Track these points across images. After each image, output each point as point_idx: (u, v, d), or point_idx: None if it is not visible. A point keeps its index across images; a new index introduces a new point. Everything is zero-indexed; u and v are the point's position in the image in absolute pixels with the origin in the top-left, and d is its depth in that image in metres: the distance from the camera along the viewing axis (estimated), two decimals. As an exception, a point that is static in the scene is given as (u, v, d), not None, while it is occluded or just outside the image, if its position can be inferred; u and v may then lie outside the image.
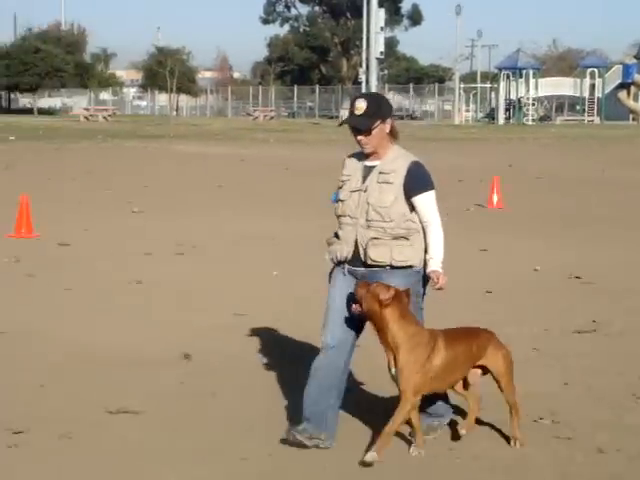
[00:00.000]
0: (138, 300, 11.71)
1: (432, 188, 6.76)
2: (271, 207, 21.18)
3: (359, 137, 6.65)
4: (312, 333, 9.91)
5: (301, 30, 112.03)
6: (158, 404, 7.74)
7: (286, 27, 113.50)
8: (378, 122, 6.62)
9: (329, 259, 6.84)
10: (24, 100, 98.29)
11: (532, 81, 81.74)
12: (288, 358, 9.11)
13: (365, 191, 6.64)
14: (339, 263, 6.77)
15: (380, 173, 6.65)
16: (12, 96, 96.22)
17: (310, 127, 66.57)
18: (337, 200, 6.81)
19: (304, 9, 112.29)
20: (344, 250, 6.68)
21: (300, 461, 6.55)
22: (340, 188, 6.80)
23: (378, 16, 68.76)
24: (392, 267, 6.60)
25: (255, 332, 10.11)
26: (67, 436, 6.96)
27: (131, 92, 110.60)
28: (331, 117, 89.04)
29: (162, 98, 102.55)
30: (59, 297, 11.83)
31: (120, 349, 9.35)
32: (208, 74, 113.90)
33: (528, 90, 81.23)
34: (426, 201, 6.69)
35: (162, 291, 12.25)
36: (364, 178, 6.69)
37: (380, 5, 69.86)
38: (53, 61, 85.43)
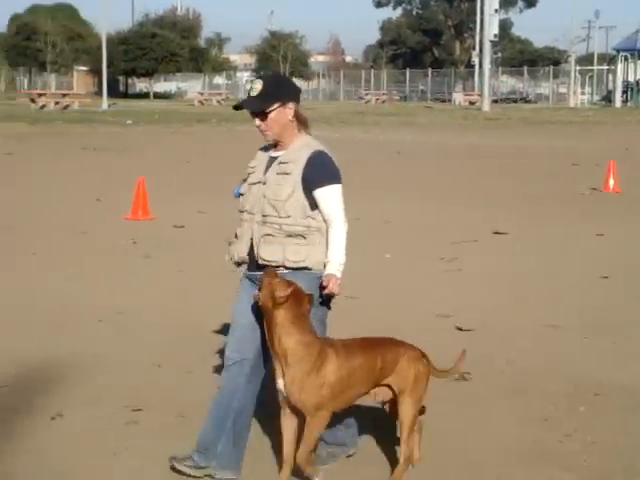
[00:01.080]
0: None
1: (337, 182, 5.89)
2: (384, 190, 21.12)
3: (257, 122, 5.93)
4: (424, 313, 9.98)
5: (414, 13, 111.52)
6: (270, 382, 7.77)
7: (399, 10, 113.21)
8: (276, 105, 5.86)
9: (228, 260, 6.11)
10: (140, 85, 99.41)
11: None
12: (404, 334, 9.08)
13: (264, 183, 5.91)
14: (238, 265, 6.03)
15: (280, 163, 5.93)
16: (129, 81, 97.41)
17: (422, 110, 66.18)
18: (239, 194, 6.07)
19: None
20: (241, 250, 5.95)
21: None
22: (244, 181, 6.08)
23: (492, -1, 68.05)
24: (286, 268, 5.79)
25: (368, 312, 10.15)
26: (182, 415, 7.06)
27: (244, 76, 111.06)
28: (443, 100, 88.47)
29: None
30: (173, 278, 11.98)
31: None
32: (321, 58, 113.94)
33: (647, 72, 79.63)
34: (328, 196, 5.84)
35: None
36: (266, 169, 5.97)
37: (494, -13, 69.07)
38: (169, 46, 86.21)
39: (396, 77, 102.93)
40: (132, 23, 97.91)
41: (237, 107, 6.08)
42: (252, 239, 5.87)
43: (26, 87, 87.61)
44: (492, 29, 68.13)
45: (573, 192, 21.22)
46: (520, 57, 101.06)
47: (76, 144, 32.66)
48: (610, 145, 33.94)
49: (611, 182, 21.38)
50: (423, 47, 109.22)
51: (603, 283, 11.96)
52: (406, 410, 5.80)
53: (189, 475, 5.90)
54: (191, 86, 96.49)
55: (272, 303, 5.54)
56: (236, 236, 5.99)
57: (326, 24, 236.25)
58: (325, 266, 5.82)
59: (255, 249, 5.85)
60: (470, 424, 6.98)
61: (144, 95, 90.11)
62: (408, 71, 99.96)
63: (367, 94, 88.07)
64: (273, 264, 5.78)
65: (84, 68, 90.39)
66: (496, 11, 69.03)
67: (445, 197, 20.06)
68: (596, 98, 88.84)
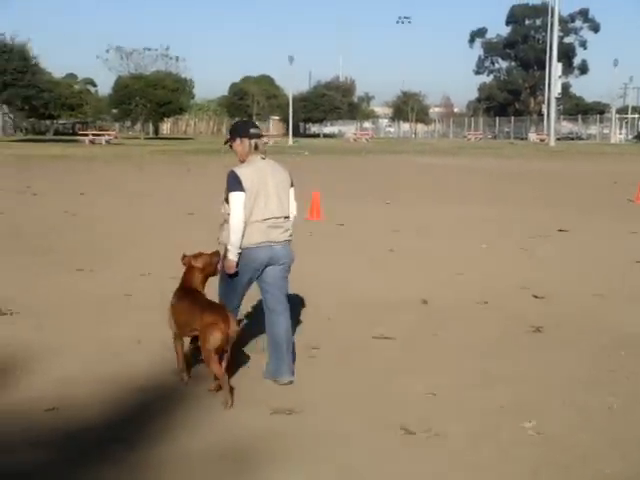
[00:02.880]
0: (392, 263, 11.73)
1: (230, 190, 5.97)
2: (482, 199, 20.76)
3: None
4: (510, 286, 9.76)
5: (501, 78, 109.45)
6: (407, 333, 7.71)
7: (491, 76, 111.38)
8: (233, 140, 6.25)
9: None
10: (314, 128, 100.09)
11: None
12: (496, 301, 8.93)
13: None
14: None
15: None
16: (307, 125, 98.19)
17: (507, 146, 64.89)
18: None
19: (504, 64, 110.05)
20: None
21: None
22: None
23: (557, 68, 66.41)
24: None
25: (470, 285, 9.98)
26: (347, 352, 7.04)
27: (384, 122, 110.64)
28: (522, 138, 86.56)
29: (405, 126, 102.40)
30: (341, 259, 11.98)
31: (378, 295, 9.38)
32: (437, 109, 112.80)
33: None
34: (229, 199, 6.02)
35: (407, 257, 12.22)
36: None
37: (558, 60, 67.52)
38: (333, 102, 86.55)
39: (489, 122, 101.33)
40: (309, 86, 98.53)
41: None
42: None
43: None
44: (556, 89, 66.69)
45: (614, 202, 20.50)
46: (576, 108, 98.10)
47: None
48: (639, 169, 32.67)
49: (642, 195, 20.59)
50: (508, 102, 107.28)
51: (637, 266, 11.52)
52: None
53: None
54: (348, 129, 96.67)
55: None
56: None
57: (441, 86, 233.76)
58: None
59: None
60: (542, 363, 6.79)
61: (316, 135, 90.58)
62: (497, 118, 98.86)
63: (469, 134, 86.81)
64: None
65: (277, 117, 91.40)
66: (559, 77, 67.49)
67: (523, 204, 19.60)
68: (630, 137, 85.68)
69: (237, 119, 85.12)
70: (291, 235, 6.39)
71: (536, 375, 6.42)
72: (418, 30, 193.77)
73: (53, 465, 4.81)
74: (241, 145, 6.19)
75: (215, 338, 5.60)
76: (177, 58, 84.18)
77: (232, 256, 5.98)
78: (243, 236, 5.99)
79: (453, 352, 7.06)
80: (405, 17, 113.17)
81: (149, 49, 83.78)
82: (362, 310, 8.64)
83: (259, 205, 6.04)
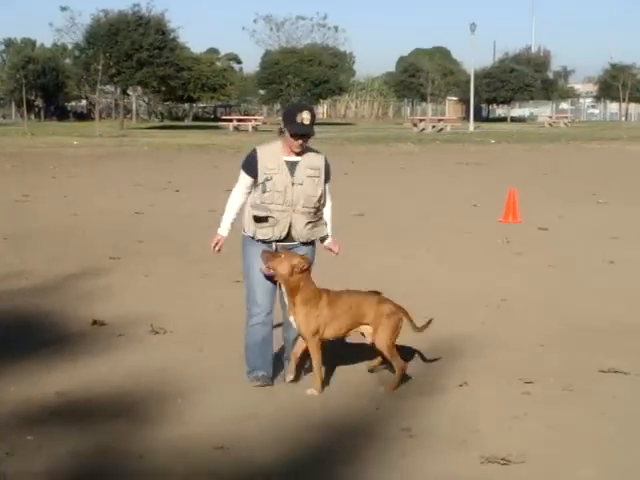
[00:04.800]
0: (613, 277, 11.34)
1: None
2: None
3: (301, 142, 6.59)
4: None
5: None
6: (643, 367, 7.41)
7: None
8: None
9: (256, 236, 6.82)
10: (499, 110, 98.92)
11: None
12: None
13: (301, 184, 6.64)
14: (265, 242, 6.80)
15: (309, 169, 6.68)
16: (490, 107, 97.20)
17: None
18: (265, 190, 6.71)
19: None
20: (281, 230, 6.75)
21: None
22: (268, 180, 6.64)
23: None
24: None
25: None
26: (569, 388, 6.83)
27: (586, 102, 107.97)
28: None
29: (613, 106, 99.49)
30: (544, 273, 11.70)
31: (599, 317, 9.08)
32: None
33: None
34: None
35: (633, 270, 11.79)
36: (291, 172, 6.64)
37: None
38: (524, 78, 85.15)
39: None
40: (493, 60, 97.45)
41: (303, 135, 6.56)
42: (290, 223, 6.64)
43: (409, 114, 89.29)
44: None
45: None
46: None
47: (451, 159, 32.85)
48: None
49: None
50: None
51: None
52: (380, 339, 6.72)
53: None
54: (541, 111, 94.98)
55: (291, 271, 6.51)
56: (266, 220, 6.64)
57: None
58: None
59: (293, 231, 6.67)
60: None
61: (502, 119, 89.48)
62: None
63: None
64: (303, 241, 6.74)
65: (454, 98, 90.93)
66: None
67: None
68: None
69: (405, 100, 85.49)
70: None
71: None
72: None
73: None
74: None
75: (398, 326, 6.74)
76: (336, 28, 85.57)
77: None
78: None
79: None
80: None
81: (303, 18, 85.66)
82: (582, 336, 8.38)
83: None
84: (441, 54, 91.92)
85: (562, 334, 8.44)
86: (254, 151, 6.74)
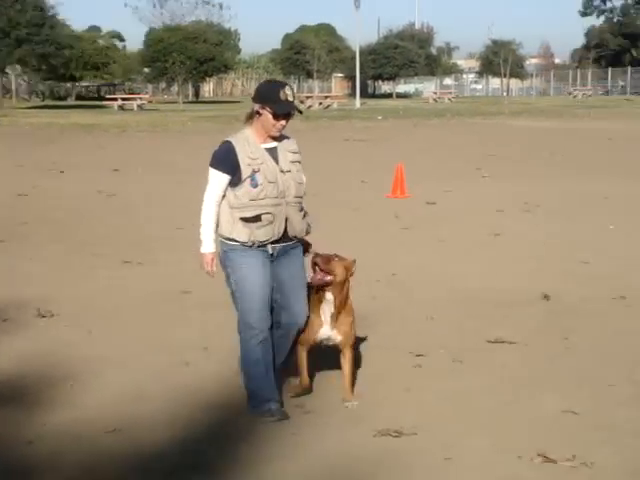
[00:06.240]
0: (499, 249, 11.59)
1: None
2: (601, 171, 20.41)
3: (283, 122, 5.73)
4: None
5: (615, 20, 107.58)
6: (529, 336, 7.59)
7: (602, 18, 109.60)
8: None
9: (251, 240, 5.78)
10: (385, 87, 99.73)
11: None
12: (636, 295, 8.74)
13: (289, 171, 5.79)
14: (263, 244, 5.81)
15: (290, 153, 5.86)
16: (376, 84, 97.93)
17: (624, 103, 63.75)
18: (257, 185, 5.70)
19: (618, 2, 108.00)
20: (279, 229, 5.80)
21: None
22: (255, 172, 5.68)
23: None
24: (298, 239, 5.98)
25: (600, 276, 9.79)
26: (458, 360, 6.94)
27: (469, 78, 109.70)
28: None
29: (495, 82, 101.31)
30: (434, 247, 11.87)
31: (488, 289, 9.26)
32: (534, 61, 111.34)
33: None
34: None
35: (517, 242, 12.06)
36: (275, 159, 5.76)
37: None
38: (408, 55, 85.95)
39: (599, 75, 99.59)
40: (378, 37, 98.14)
41: (288, 114, 5.74)
42: (286, 218, 5.76)
43: (296, 91, 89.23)
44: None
45: None
46: None
47: (339, 136, 32.97)
48: None
49: None
50: (623, 49, 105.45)
51: None
52: None
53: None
54: (426, 87, 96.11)
55: (346, 275, 5.90)
56: (259, 219, 5.68)
57: (538, 32, 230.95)
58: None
59: (289, 226, 5.79)
60: None
61: (388, 95, 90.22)
62: (610, 70, 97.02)
63: (575, 90, 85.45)
64: (299, 237, 5.93)
65: (341, 75, 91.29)
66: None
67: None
68: None
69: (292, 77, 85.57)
70: None
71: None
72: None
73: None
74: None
75: None
76: (220, 5, 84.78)
77: None
78: None
79: (591, 360, 6.92)
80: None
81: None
82: (470, 308, 8.53)
83: None
84: (326, 31, 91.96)
85: (451, 307, 8.59)
86: (228, 143, 5.78)
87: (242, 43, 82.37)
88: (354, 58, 69.07)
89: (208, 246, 5.82)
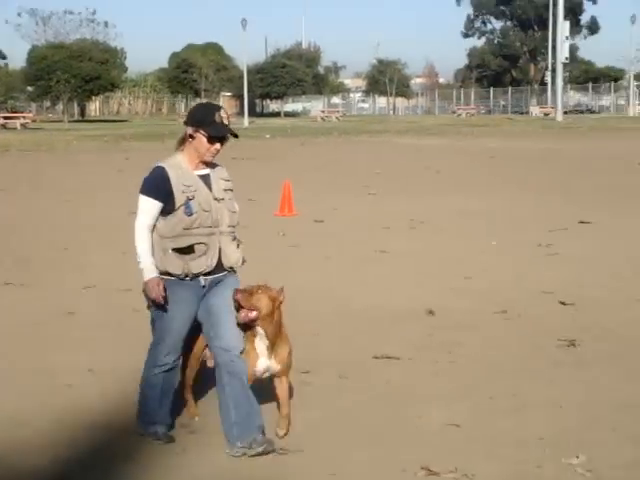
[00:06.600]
0: (385, 266, 11.72)
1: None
2: (484, 188, 20.86)
3: (218, 146, 5.47)
4: (530, 291, 9.76)
5: (495, 42, 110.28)
6: (414, 351, 7.70)
7: (483, 39, 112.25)
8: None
9: (185, 273, 5.53)
10: (273, 105, 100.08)
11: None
12: (516, 309, 8.94)
13: (222, 199, 5.55)
14: (196, 275, 5.57)
15: (223, 180, 5.62)
16: (264, 102, 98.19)
17: (505, 122, 65.28)
18: (192, 213, 5.44)
19: (498, 24, 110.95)
20: (212, 260, 5.55)
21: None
22: (189, 200, 5.41)
23: (564, 27, 66.91)
24: (232, 270, 5.74)
25: (482, 291, 9.99)
26: (344, 376, 6.99)
27: (356, 97, 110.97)
28: (522, 113, 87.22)
29: (381, 101, 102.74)
30: (321, 265, 11.94)
31: (374, 306, 9.35)
32: (419, 80, 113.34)
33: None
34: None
35: (402, 259, 12.22)
36: (208, 187, 5.50)
37: (564, 18, 68.06)
38: (296, 74, 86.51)
39: (481, 94, 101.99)
40: (266, 56, 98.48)
41: (223, 138, 5.49)
42: (220, 248, 5.52)
43: (183, 110, 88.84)
44: (563, 53, 67.18)
45: (641, 187, 20.70)
46: (585, 76, 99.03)
47: (227, 154, 32.77)
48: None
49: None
50: (503, 69, 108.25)
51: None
52: None
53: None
54: (314, 106, 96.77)
55: (273, 307, 5.61)
56: (193, 250, 5.44)
57: (423, 52, 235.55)
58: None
59: (224, 256, 5.55)
60: (582, 383, 6.79)
61: (276, 114, 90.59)
62: (492, 89, 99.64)
63: (458, 109, 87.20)
64: (235, 267, 5.68)
65: (229, 93, 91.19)
66: (567, 38, 68.09)
67: (534, 192, 19.71)
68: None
69: (180, 96, 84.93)
70: None
71: (577, 399, 6.42)
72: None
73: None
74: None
75: None
76: (106, 23, 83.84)
77: None
78: None
79: (473, 373, 7.05)
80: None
81: (71, 12, 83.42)
82: (356, 324, 8.61)
83: None
84: (214, 50, 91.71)
85: (337, 323, 8.65)
86: (161, 169, 5.46)
87: (128, 62, 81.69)
88: (242, 77, 69.26)
89: (150, 272, 5.43)
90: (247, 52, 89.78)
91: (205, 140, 5.42)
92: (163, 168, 5.45)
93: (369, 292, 10.06)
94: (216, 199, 5.50)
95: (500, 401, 6.38)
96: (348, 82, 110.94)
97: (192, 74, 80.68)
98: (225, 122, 5.47)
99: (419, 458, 5.38)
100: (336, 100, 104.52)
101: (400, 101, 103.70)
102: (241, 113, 71.70)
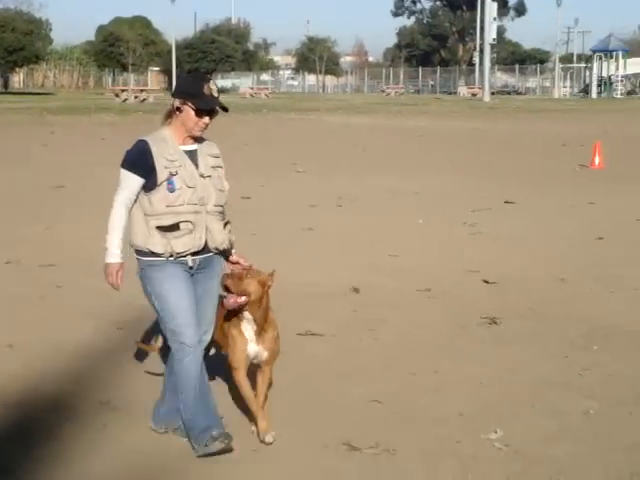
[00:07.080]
0: (311, 244, 11.74)
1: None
2: (412, 167, 21.01)
3: (207, 120, 5.19)
4: (454, 269, 9.88)
5: (424, 21, 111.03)
6: (338, 328, 7.74)
7: (412, 19, 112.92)
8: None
9: (169, 252, 5.19)
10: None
11: (621, 61, 79.27)
12: (440, 288, 9.04)
13: (210, 177, 5.24)
14: (182, 255, 5.23)
15: (212, 157, 5.34)
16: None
17: (434, 101, 65.72)
18: (174, 189, 5.12)
19: (427, 3, 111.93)
20: (199, 239, 5.22)
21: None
22: (172, 175, 5.10)
23: (491, 8, 67.47)
24: (219, 251, 5.43)
25: (407, 269, 10.07)
26: (268, 353, 6.99)
27: (285, 74, 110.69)
28: (450, 93, 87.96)
29: (311, 78, 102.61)
30: (246, 241, 11.88)
31: (298, 283, 9.36)
32: (348, 58, 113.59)
33: (617, 69, 78.91)
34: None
35: (329, 236, 12.26)
36: (194, 163, 5.21)
37: (492, -1, 68.69)
38: (225, 50, 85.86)
39: (410, 74, 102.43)
40: (195, 31, 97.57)
41: (212, 110, 5.19)
42: (206, 227, 5.19)
43: (110, 84, 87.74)
44: (491, 34, 67.83)
45: (565, 168, 21.02)
46: (512, 57, 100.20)
47: (148, 130, 32.52)
48: (590, 129, 33.47)
49: (597, 159, 21.17)
50: (432, 49, 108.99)
51: (599, 243, 11.84)
52: None
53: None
54: (243, 82, 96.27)
55: (263, 291, 5.40)
56: (177, 227, 5.11)
57: (353, 30, 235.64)
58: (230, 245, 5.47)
59: (209, 237, 5.23)
60: (503, 361, 6.89)
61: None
62: (420, 69, 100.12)
63: (387, 88, 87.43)
64: (221, 249, 5.36)
65: (157, 68, 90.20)
66: (495, 19, 68.75)
67: (461, 172, 19.91)
68: (575, 91, 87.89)
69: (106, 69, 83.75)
70: None
71: (497, 375, 6.52)
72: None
73: None
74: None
75: None
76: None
77: None
78: None
79: (396, 350, 7.12)
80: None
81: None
82: (280, 301, 8.50)
83: None
84: (142, 24, 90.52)
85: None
86: (143, 142, 5.13)
87: (54, 34, 79.93)
88: (170, 52, 68.60)
89: (114, 255, 5.12)
90: (176, 27, 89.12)
91: (193, 113, 5.13)
92: (145, 142, 5.12)
93: (294, 269, 10.05)
94: (202, 175, 5.20)
95: (422, 378, 6.45)
96: (278, 59, 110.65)
97: (119, 48, 79.45)
98: (215, 94, 5.18)
99: (341, 434, 5.43)
100: (265, 77, 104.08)
101: (329, 79, 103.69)
102: (169, 89, 71.00)
